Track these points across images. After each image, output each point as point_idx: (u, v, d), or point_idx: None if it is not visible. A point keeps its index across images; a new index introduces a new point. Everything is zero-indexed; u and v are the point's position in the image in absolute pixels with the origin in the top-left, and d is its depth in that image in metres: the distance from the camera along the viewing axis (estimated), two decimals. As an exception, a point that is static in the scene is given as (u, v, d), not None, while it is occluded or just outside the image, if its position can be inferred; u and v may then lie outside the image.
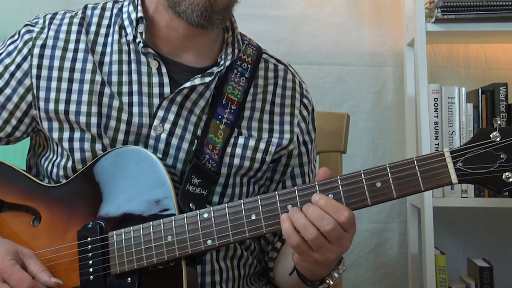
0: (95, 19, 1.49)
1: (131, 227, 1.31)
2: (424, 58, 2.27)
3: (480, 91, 2.31)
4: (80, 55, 1.44)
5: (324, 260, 1.24)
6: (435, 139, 2.28)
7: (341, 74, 2.54)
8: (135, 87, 1.43)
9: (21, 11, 2.45)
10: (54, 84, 1.43)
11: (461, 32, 2.33)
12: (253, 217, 1.26)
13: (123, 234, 1.32)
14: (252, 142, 1.47)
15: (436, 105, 2.29)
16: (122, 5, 1.51)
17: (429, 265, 2.19)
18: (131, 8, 1.47)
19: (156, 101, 1.43)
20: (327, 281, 1.32)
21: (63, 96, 1.42)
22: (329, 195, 1.23)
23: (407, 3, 2.48)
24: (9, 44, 1.48)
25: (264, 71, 1.55)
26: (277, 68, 1.57)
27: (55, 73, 1.43)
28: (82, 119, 1.40)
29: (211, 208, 1.29)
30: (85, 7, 1.51)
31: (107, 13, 1.50)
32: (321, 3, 2.54)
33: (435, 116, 2.28)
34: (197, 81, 1.42)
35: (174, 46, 1.46)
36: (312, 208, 1.21)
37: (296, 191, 1.25)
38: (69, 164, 1.42)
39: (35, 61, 1.44)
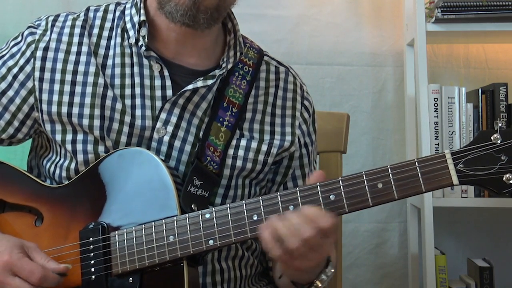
0: (97, 22, 1.49)
1: (133, 227, 1.32)
2: (424, 58, 2.27)
3: (480, 91, 2.32)
4: (83, 58, 1.44)
5: (305, 267, 1.26)
6: (435, 139, 2.28)
7: (341, 74, 2.55)
8: (137, 90, 1.43)
9: (21, 11, 2.45)
10: (57, 87, 1.43)
11: (461, 32, 2.33)
12: (255, 218, 1.26)
13: (125, 234, 1.32)
14: (254, 144, 1.47)
15: (436, 105, 2.29)
16: (125, 7, 1.51)
17: (429, 265, 2.20)
18: (133, 10, 1.47)
19: (158, 103, 1.43)
20: (316, 283, 1.34)
21: (66, 98, 1.42)
22: (331, 196, 1.24)
23: (407, 3, 2.48)
24: (13, 46, 1.49)
25: (265, 73, 1.55)
26: (278, 71, 1.57)
27: (57, 76, 1.44)
28: (85, 121, 1.41)
29: (213, 208, 1.29)
30: (87, 9, 1.52)
31: (110, 16, 1.50)
32: (321, 3, 2.55)
33: (435, 116, 2.28)
34: (199, 83, 1.42)
35: (175, 48, 1.46)
36: (292, 216, 1.22)
37: (298, 191, 1.25)
38: (72, 165, 1.42)
39: (37, 64, 1.44)
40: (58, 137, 1.43)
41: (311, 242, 1.20)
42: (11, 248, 1.28)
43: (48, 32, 1.47)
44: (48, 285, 1.26)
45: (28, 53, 1.45)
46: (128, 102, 1.43)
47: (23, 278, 1.25)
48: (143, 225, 1.31)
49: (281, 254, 1.22)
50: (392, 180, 1.22)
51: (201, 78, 1.43)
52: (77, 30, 1.47)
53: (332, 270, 1.33)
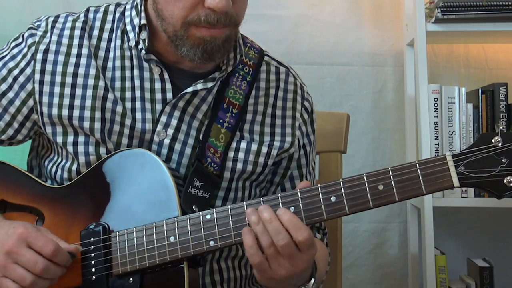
0: (97, 23, 1.49)
1: (134, 228, 1.32)
2: (424, 58, 2.27)
3: (480, 91, 2.32)
4: (83, 60, 1.44)
5: (277, 276, 1.24)
6: (435, 139, 2.28)
7: (341, 74, 2.55)
8: (137, 93, 1.43)
9: (21, 11, 2.45)
10: (57, 89, 1.43)
11: (461, 32, 2.33)
12: (256, 219, 1.27)
13: (125, 234, 1.32)
14: (254, 146, 1.47)
15: (436, 105, 2.29)
16: (125, 8, 1.50)
17: (429, 265, 2.20)
18: (133, 12, 1.47)
19: (159, 106, 1.43)
20: None
21: (66, 101, 1.42)
22: (332, 198, 1.24)
23: (407, 3, 2.48)
24: (13, 47, 1.48)
25: (266, 74, 1.55)
26: (278, 71, 1.57)
27: (58, 78, 1.43)
28: (86, 124, 1.41)
29: (214, 209, 1.29)
30: (87, 10, 1.51)
31: (110, 17, 1.50)
32: (321, 3, 2.54)
33: (435, 116, 2.28)
34: (199, 86, 1.42)
35: (176, 55, 1.44)
36: (272, 220, 1.22)
37: (299, 193, 1.26)
38: (74, 167, 1.43)
39: (38, 67, 1.44)
40: (59, 139, 1.43)
41: (285, 252, 1.21)
42: (26, 224, 1.29)
43: (48, 34, 1.46)
44: (59, 260, 1.27)
45: (29, 55, 1.45)
46: (128, 105, 1.43)
47: (37, 250, 1.25)
48: (143, 226, 1.31)
49: (261, 261, 1.22)
50: (393, 182, 1.23)
51: (201, 81, 1.43)
52: (77, 32, 1.47)
53: (315, 286, 1.31)
